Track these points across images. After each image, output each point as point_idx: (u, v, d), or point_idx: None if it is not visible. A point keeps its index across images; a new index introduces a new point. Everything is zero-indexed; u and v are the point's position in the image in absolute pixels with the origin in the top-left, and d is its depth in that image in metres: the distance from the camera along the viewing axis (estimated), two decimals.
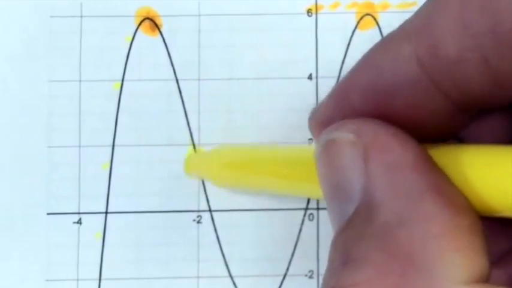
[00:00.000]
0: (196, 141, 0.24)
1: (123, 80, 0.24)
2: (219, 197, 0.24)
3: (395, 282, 0.13)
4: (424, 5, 0.15)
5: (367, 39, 0.24)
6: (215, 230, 0.24)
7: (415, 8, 0.23)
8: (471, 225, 0.14)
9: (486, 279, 0.13)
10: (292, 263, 0.24)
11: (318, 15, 0.25)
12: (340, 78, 0.24)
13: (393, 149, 0.14)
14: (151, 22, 0.24)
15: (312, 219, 0.24)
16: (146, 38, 0.24)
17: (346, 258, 0.14)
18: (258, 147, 0.23)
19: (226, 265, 0.24)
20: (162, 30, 0.24)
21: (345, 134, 0.15)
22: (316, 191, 0.19)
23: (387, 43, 0.15)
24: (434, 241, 0.13)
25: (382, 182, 0.14)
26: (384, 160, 0.14)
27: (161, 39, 0.24)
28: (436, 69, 0.14)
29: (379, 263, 0.13)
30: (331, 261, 0.15)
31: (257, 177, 0.22)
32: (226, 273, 0.24)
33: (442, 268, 0.13)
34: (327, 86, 0.23)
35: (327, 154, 0.15)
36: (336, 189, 0.15)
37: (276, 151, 0.22)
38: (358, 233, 0.14)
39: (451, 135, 0.16)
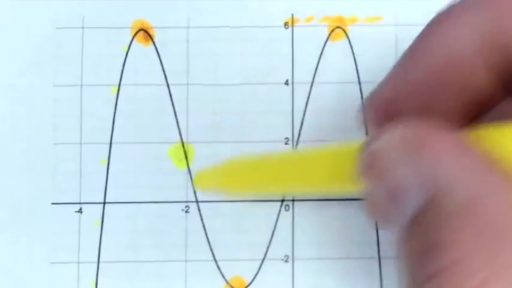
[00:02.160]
0: (184, 140, 0.24)
1: (119, 85, 0.25)
2: None
3: (487, 257, 0.13)
4: None
5: (337, 49, 0.25)
6: (201, 218, 0.24)
7: (382, 22, 0.25)
8: None
9: None
10: (270, 248, 0.24)
11: (294, 28, 0.25)
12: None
13: (443, 141, 0.14)
14: (145, 33, 0.25)
15: (288, 210, 0.24)
16: (141, 48, 0.25)
17: (425, 248, 0.13)
18: (265, 156, 0.22)
19: (211, 250, 0.24)
20: (155, 40, 0.25)
21: (391, 140, 0.15)
22: (322, 186, 0.19)
23: (447, 17, 0.15)
24: None
25: (445, 169, 0.14)
26: (438, 151, 0.14)
27: (154, 49, 0.25)
28: (499, 45, 0.14)
29: (464, 241, 0.13)
30: (406, 257, 0.14)
31: (267, 184, 0.21)
32: (211, 257, 0.24)
33: None
34: (301, 91, 0.25)
35: (377, 162, 0.15)
36: (395, 191, 0.14)
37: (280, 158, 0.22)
38: (432, 221, 0.13)
39: (488, 109, 0.16)
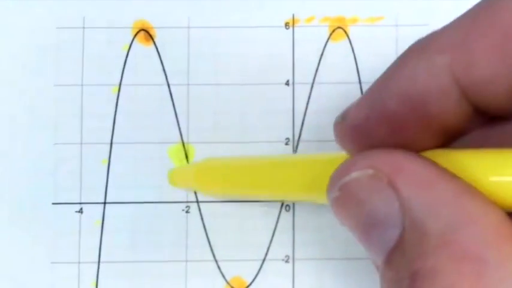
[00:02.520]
0: (185, 140, 0.24)
1: (120, 85, 0.25)
2: None
3: (474, 285, 0.12)
4: (460, 20, 0.14)
5: (338, 50, 0.25)
6: (202, 219, 0.24)
7: (382, 22, 0.25)
8: (505, 216, 0.13)
9: None
10: (271, 248, 0.24)
11: (295, 28, 0.25)
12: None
13: (414, 169, 0.14)
14: (146, 33, 0.25)
15: (288, 210, 0.24)
16: (141, 48, 0.25)
17: (412, 277, 0.13)
18: (239, 159, 0.23)
19: (212, 250, 0.24)
20: (155, 40, 0.25)
21: (361, 172, 0.14)
22: (295, 195, 0.19)
23: (421, 52, 0.15)
24: (494, 233, 0.13)
25: (418, 200, 0.14)
26: (413, 181, 0.14)
27: (155, 49, 0.25)
28: (469, 84, 0.14)
29: (450, 270, 0.13)
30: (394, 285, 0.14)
31: (240, 187, 0.22)
32: (212, 258, 0.24)
33: (509, 258, 0.12)
34: (302, 91, 0.25)
35: (348, 196, 0.15)
36: (368, 224, 0.14)
37: (255, 162, 0.22)
38: (415, 251, 0.13)
39: (462, 134, 0.16)
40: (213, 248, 0.24)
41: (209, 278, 0.24)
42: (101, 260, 0.24)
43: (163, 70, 0.25)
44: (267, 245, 0.24)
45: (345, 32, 0.25)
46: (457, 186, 0.14)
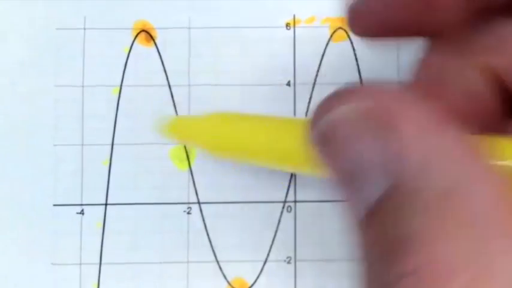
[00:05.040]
0: None
1: (121, 86, 0.25)
2: (207, 191, 0.24)
3: (472, 254, 0.10)
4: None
5: (339, 50, 0.25)
6: (203, 220, 0.24)
7: None
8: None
9: None
10: (272, 249, 0.24)
11: (296, 29, 0.25)
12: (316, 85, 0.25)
13: (420, 110, 0.11)
14: (147, 34, 0.25)
15: (290, 211, 0.24)
16: (142, 48, 0.25)
17: (392, 243, 0.11)
18: (248, 118, 0.21)
19: (213, 251, 0.24)
20: (156, 41, 0.25)
21: (353, 106, 0.12)
22: (301, 164, 0.17)
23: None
24: (504, 201, 0.11)
25: (418, 149, 0.11)
26: (411, 124, 0.11)
27: (156, 50, 0.25)
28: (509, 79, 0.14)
29: (444, 235, 0.10)
30: (368, 253, 0.12)
31: (245, 147, 0.20)
32: (213, 259, 0.24)
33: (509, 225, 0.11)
34: (303, 92, 0.24)
35: (333, 134, 0.12)
36: (353, 172, 0.12)
37: (265, 122, 0.20)
38: (401, 211, 0.11)
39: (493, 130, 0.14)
40: (215, 249, 0.24)
41: (211, 279, 0.24)
42: (102, 262, 0.24)
43: (164, 71, 0.25)
44: (268, 246, 0.24)
45: (346, 32, 0.25)
46: (465, 143, 0.11)
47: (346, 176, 0.12)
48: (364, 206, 0.12)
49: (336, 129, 0.12)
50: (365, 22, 0.15)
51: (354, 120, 0.12)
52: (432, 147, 0.11)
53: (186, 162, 0.25)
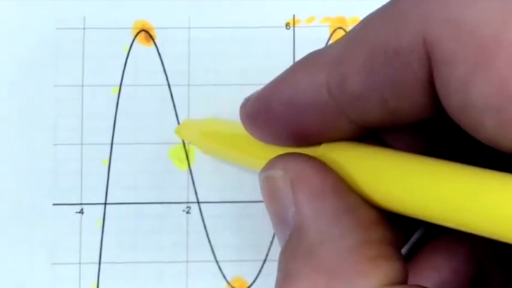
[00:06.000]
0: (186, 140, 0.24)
1: (121, 85, 0.25)
2: (206, 190, 0.24)
3: None
4: (340, 38, 0.15)
5: None
6: (202, 219, 0.24)
7: None
8: (382, 237, 0.15)
9: (403, 280, 0.15)
10: (272, 249, 0.24)
11: (295, 29, 0.25)
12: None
13: (314, 180, 0.16)
14: (146, 34, 0.25)
15: None
16: (142, 48, 0.25)
17: (285, 273, 0.15)
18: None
19: (212, 251, 0.24)
20: (156, 41, 0.25)
21: (276, 171, 0.16)
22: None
23: (306, 66, 0.16)
24: (349, 254, 0.15)
25: (307, 208, 0.15)
26: (307, 190, 0.15)
27: (155, 49, 0.25)
28: (342, 99, 0.15)
29: (307, 277, 0.15)
30: (277, 275, 0.16)
31: (228, 150, 0.22)
32: (212, 258, 0.24)
33: (358, 277, 0.14)
34: None
35: (267, 188, 0.17)
36: (277, 216, 0.16)
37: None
38: (292, 252, 0.15)
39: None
40: (214, 248, 0.24)
41: (210, 278, 0.24)
42: (102, 261, 0.24)
43: (164, 70, 0.25)
44: (268, 246, 0.24)
45: (346, 32, 0.24)
46: (344, 203, 0.15)
47: (273, 220, 0.17)
48: (282, 246, 0.16)
49: (268, 184, 0.17)
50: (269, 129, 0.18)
51: (276, 182, 0.16)
52: (311, 210, 0.15)
53: (186, 162, 0.25)
